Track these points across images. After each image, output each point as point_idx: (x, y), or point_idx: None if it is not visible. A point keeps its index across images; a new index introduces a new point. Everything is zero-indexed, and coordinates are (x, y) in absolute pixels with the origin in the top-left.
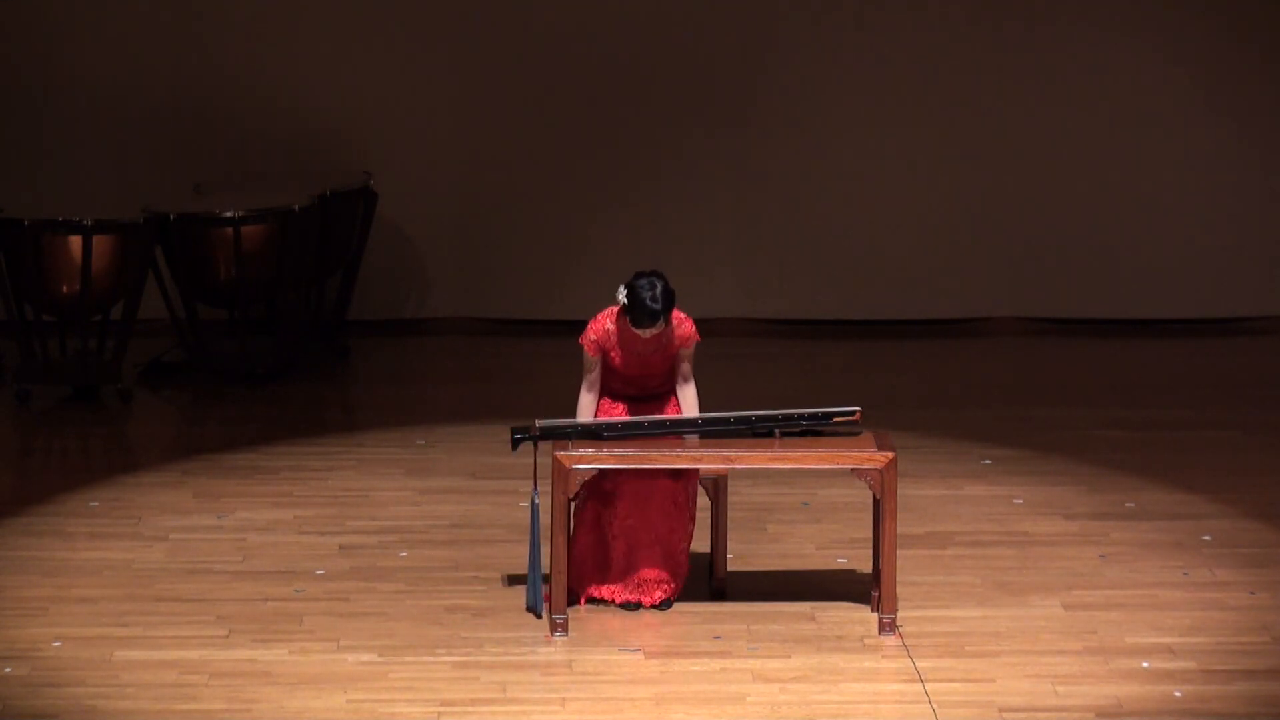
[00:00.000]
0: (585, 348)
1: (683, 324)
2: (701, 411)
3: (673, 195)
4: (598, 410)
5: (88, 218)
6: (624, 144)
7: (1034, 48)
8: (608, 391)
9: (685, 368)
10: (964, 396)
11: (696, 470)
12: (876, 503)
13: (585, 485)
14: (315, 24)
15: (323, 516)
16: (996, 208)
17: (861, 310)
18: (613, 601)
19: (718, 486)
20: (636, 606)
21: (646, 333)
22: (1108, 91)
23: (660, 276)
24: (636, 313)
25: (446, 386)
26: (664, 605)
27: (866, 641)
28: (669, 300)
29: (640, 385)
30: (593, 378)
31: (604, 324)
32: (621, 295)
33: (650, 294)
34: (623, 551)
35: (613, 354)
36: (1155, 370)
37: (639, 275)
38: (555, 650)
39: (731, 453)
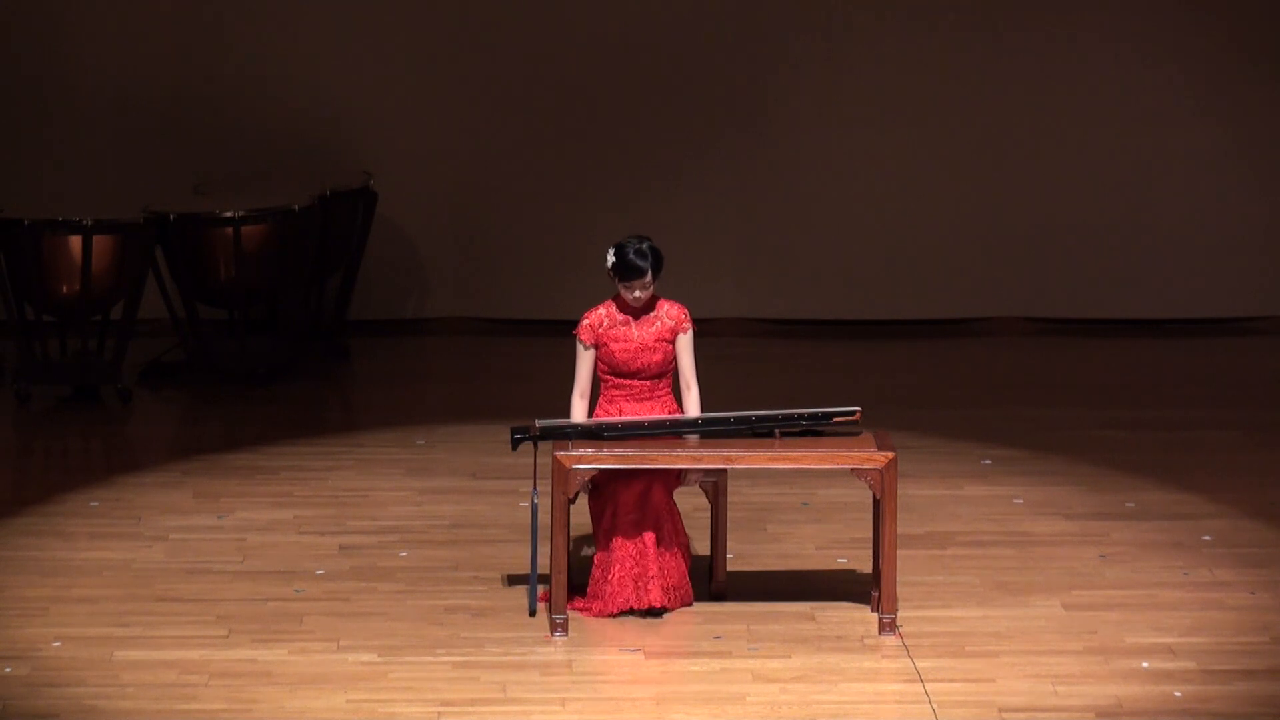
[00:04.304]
0: (580, 335)
1: (673, 305)
2: (703, 413)
3: (673, 196)
4: (596, 411)
5: (88, 218)
6: (624, 144)
7: (1033, 52)
8: (606, 395)
9: (686, 364)
10: (964, 396)
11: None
12: (876, 503)
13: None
14: (316, 24)
15: (323, 516)
16: (996, 208)
17: (862, 310)
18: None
19: (717, 487)
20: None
21: (635, 293)
22: (1108, 93)
23: (648, 239)
24: (624, 268)
25: (446, 386)
26: (658, 612)
27: (866, 641)
28: (656, 257)
29: (638, 378)
30: (584, 378)
31: (598, 310)
32: (610, 256)
33: (636, 249)
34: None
35: (607, 342)
36: (1155, 370)
37: (628, 236)
38: (555, 650)
39: (731, 453)
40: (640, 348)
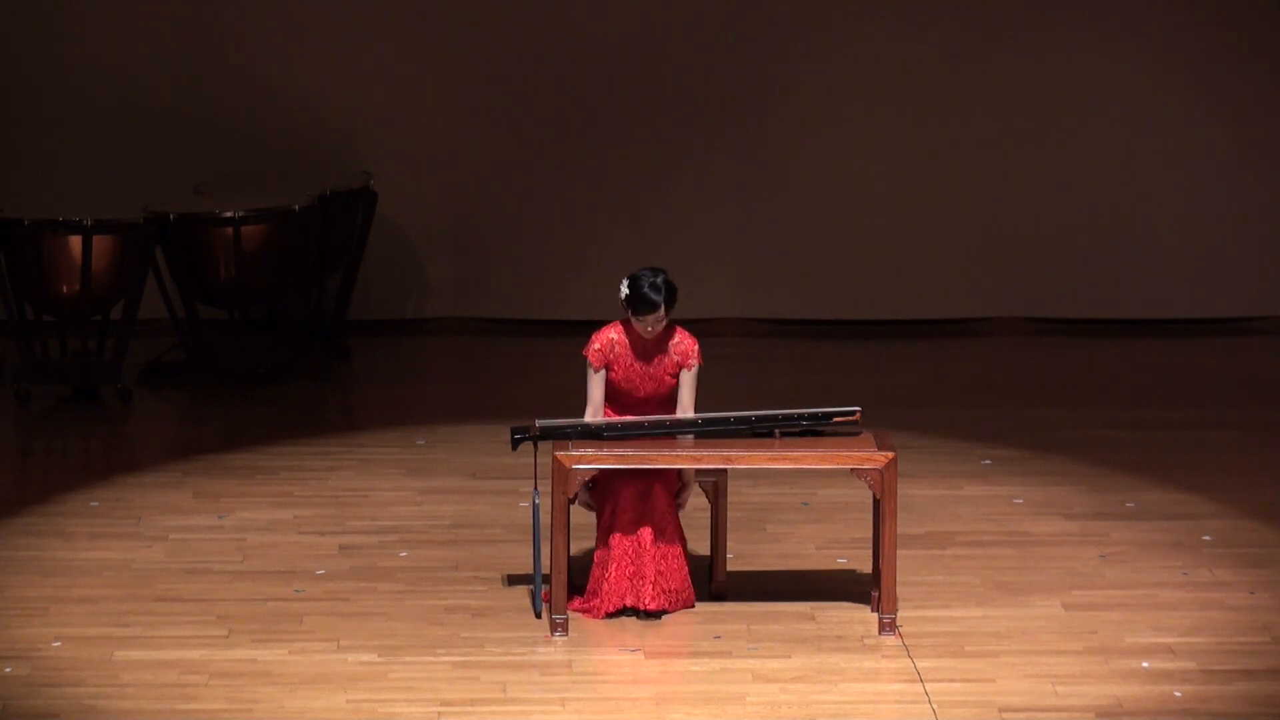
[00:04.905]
0: (589, 358)
1: (685, 339)
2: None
3: (673, 195)
4: None
5: (88, 218)
6: (625, 144)
7: (1033, 52)
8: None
9: (686, 397)
10: (964, 396)
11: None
12: (876, 503)
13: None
14: (316, 24)
15: (323, 516)
16: (997, 208)
17: (861, 310)
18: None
19: (717, 487)
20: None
21: (648, 327)
22: (1108, 93)
23: (663, 272)
24: (637, 301)
25: (446, 386)
26: (655, 614)
27: (866, 641)
28: (670, 291)
29: (641, 407)
30: (597, 399)
31: (608, 334)
32: (624, 287)
33: (651, 282)
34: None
35: (616, 368)
36: (1155, 370)
37: (642, 269)
38: (555, 650)
39: (731, 453)
40: (644, 377)
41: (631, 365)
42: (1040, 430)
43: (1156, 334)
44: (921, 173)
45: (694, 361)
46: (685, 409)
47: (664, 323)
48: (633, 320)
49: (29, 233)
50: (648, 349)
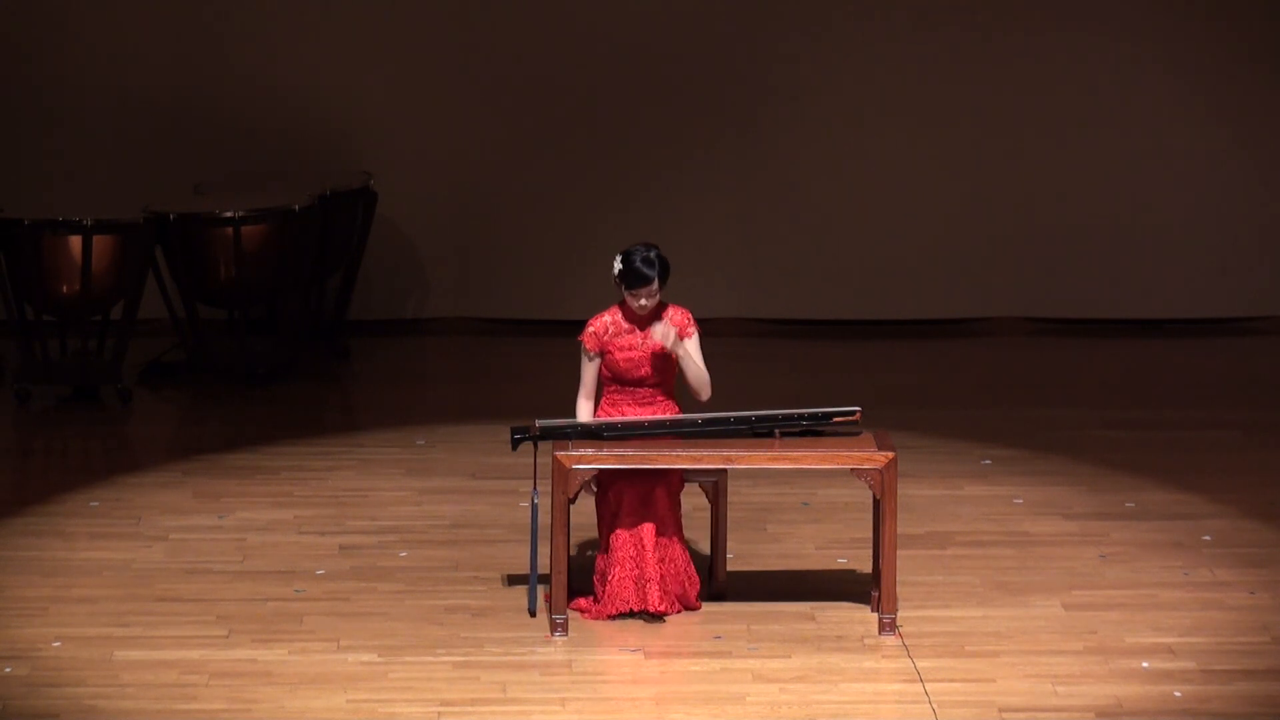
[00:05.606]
0: (585, 342)
1: (677, 312)
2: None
3: (673, 195)
4: (598, 414)
5: (88, 218)
6: (625, 145)
7: (1034, 52)
8: (609, 399)
9: (697, 359)
10: (964, 396)
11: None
12: (876, 503)
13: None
14: (316, 24)
15: (323, 516)
16: (997, 208)
17: (861, 310)
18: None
19: (717, 487)
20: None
21: (641, 300)
22: (1108, 93)
23: (655, 247)
24: (630, 275)
25: (446, 386)
26: (660, 615)
27: (866, 641)
28: (663, 265)
29: (641, 385)
30: (589, 382)
31: (603, 318)
32: (617, 263)
33: (644, 256)
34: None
35: (612, 350)
36: (1155, 370)
37: (635, 244)
38: (555, 650)
39: (731, 453)
40: (644, 356)
41: (630, 345)
42: (1040, 430)
43: (1156, 334)
44: (921, 173)
45: (692, 330)
46: (699, 366)
47: (656, 298)
48: (626, 296)
49: (29, 233)
50: (645, 327)
